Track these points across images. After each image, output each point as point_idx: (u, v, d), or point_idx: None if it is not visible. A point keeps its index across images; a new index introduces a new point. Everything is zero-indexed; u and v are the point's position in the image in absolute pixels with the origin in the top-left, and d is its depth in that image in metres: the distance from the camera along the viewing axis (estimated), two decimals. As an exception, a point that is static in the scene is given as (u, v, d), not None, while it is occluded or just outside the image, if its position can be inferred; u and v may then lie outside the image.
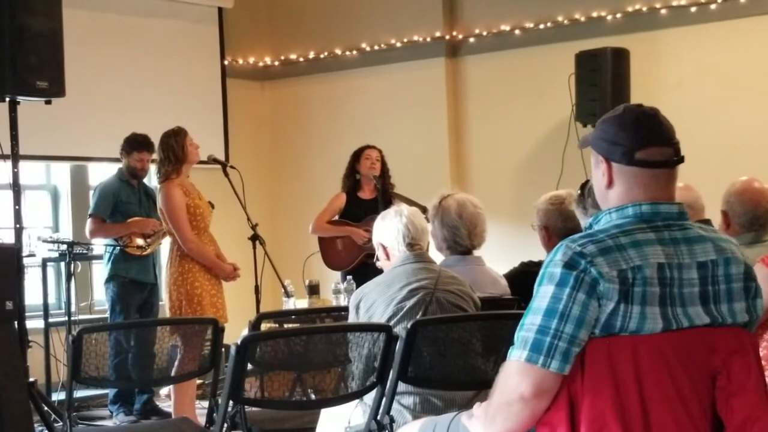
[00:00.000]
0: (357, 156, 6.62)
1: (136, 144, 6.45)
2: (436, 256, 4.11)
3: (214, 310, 5.55)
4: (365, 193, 6.57)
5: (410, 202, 6.17)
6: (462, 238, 4.10)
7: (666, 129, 2.28)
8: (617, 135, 2.25)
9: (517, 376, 2.14)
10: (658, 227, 2.22)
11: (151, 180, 6.82)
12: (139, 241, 6.40)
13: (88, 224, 6.46)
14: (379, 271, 3.80)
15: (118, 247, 6.36)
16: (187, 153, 5.62)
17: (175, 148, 5.59)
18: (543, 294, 2.15)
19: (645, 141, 2.24)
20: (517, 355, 2.14)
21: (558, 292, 2.13)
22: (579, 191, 3.49)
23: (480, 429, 2.28)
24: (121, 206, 6.46)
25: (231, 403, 3.25)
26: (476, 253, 4.23)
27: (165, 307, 5.74)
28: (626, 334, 2.13)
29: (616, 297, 2.11)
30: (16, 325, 4.60)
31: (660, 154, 2.25)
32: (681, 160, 2.28)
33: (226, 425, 3.33)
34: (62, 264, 6.70)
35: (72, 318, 6.46)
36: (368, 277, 3.85)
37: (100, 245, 6.70)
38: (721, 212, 3.91)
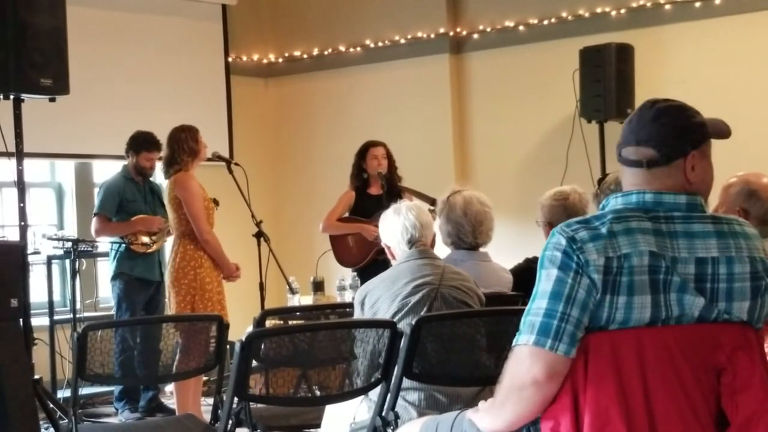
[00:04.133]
0: (363, 154, 6.55)
1: (147, 144, 6.40)
2: (443, 250, 4.11)
3: (220, 308, 5.56)
4: (374, 189, 6.53)
5: (419, 195, 6.17)
6: (465, 234, 4.10)
7: (654, 130, 2.19)
8: (623, 128, 2.28)
9: (528, 360, 2.11)
10: (657, 218, 2.17)
11: (156, 176, 6.81)
12: (144, 239, 6.40)
13: (94, 223, 6.46)
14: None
15: (123, 245, 6.36)
16: (200, 149, 5.63)
17: (189, 141, 5.59)
18: (547, 277, 2.13)
19: (625, 140, 2.25)
20: (524, 339, 2.13)
21: (562, 276, 2.11)
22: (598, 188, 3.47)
23: (488, 418, 2.25)
24: (126, 204, 6.45)
25: (236, 399, 3.25)
26: (482, 249, 4.23)
27: (168, 304, 5.73)
28: (614, 325, 2.11)
29: (600, 287, 2.10)
30: (21, 323, 4.60)
31: (635, 154, 2.23)
32: (658, 164, 2.19)
33: (231, 422, 3.33)
34: (67, 261, 6.70)
35: (77, 315, 6.47)
36: (379, 273, 3.83)
37: (105, 243, 6.70)
38: (740, 209, 3.84)
